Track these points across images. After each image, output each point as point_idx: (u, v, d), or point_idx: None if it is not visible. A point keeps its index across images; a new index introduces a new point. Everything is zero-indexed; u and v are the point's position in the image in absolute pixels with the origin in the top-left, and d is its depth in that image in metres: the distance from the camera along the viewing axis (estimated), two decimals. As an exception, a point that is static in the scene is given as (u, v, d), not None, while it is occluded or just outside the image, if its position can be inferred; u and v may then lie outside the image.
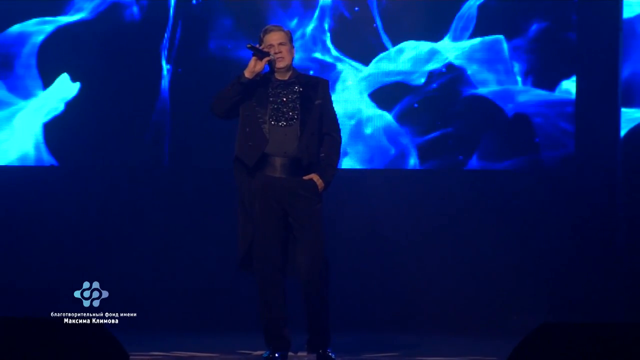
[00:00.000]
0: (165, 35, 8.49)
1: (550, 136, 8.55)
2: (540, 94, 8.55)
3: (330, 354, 6.44)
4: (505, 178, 8.55)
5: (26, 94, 8.45)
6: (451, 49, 8.56)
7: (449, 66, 8.57)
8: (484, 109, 8.55)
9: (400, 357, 6.92)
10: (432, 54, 8.58)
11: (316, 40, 8.58)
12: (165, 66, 8.47)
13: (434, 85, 8.56)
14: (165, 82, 8.51)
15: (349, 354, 6.92)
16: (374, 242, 8.50)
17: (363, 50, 8.59)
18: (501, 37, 8.56)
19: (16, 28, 8.47)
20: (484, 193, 8.54)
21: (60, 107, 8.47)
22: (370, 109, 8.57)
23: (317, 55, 8.57)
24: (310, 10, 8.56)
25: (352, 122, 8.55)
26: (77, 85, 8.47)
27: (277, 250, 6.36)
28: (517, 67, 8.57)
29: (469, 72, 8.57)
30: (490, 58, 8.57)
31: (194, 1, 8.53)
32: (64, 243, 8.44)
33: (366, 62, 8.61)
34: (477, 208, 8.52)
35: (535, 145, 8.55)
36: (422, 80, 8.57)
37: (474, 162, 8.56)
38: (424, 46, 8.60)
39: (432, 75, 8.58)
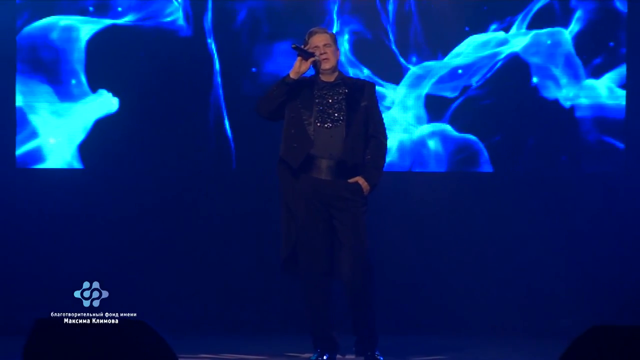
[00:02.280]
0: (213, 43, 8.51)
1: (600, 140, 8.49)
2: (592, 94, 8.49)
3: (378, 356, 6.44)
4: (552, 181, 8.49)
5: (73, 97, 8.48)
6: (512, 41, 8.49)
7: (509, 62, 8.50)
8: (540, 113, 8.50)
9: (448, 360, 6.92)
10: (488, 52, 8.53)
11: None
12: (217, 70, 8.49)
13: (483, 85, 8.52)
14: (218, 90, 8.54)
15: (396, 357, 6.91)
16: (420, 245, 8.47)
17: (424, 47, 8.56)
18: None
19: (63, 24, 8.47)
20: (531, 196, 8.48)
21: (108, 110, 8.50)
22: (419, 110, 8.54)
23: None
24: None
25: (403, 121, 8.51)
26: (123, 91, 8.49)
27: (322, 254, 6.36)
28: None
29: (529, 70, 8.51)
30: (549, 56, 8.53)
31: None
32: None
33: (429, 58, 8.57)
34: (524, 211, 8.47)
35: (584, 148, 8.48)
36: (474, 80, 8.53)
37: (524, 165, 8.50)
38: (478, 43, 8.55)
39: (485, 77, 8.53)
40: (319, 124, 6.36)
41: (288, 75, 6.36)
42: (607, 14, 8.49)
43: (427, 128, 8.47)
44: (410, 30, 8.47)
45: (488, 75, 8.49)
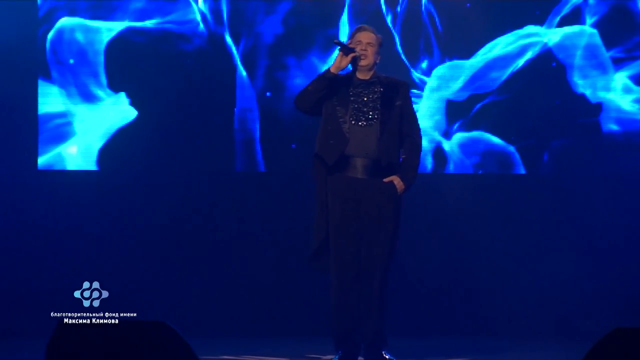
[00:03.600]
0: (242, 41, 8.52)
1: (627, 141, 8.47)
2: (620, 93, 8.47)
3: (385, 355, 6.41)
4: (575, 182, 8.46)
5: (93, 100, 8.50)
6: (538, 40, 8.47)
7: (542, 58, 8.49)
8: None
9: (469, 362, 6.91)
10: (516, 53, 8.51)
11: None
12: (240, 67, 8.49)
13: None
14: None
15: (418, 359, 6.90)
16: (444, 246, 8.46)
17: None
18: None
19: (84, 28, 8.49)
20: (554, 198, 8.46)
21: (127, 114, 8.52)
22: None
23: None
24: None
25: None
26: (142, 95, 8.51)
27: (354, 252, 6.36)
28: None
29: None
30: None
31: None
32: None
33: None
34: (546, 213, 8.45)
35: (610, 148, 8.46)
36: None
37: (550, 166, 8.48)
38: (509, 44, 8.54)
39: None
40: (353, 122, 6.38)
41: (328, 69, 6.39)
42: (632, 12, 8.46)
43: (452, 132, 8.48)
44: (423, 33, 8.46)
45: (513, 74, 8.47)
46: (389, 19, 8.46)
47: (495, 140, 8.49)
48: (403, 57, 8.44)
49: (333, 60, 6.41)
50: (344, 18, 8.43)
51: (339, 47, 6.37)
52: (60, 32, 8.46)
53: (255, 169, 8.49)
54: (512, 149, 8.47)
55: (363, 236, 6.37)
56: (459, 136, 8.48)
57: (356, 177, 6.36)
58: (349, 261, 6.35)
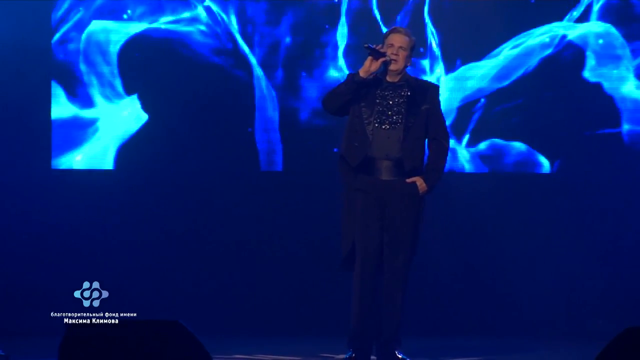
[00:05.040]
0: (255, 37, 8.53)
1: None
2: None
3: (399, 354, 6.41)
4: (587, 182, 8.45)
5: (110, 100, 8.52)
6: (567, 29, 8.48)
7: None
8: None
9: (481, 362, 6.91)
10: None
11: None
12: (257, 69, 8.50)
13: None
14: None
15: (430, 358, 6.91)
16: (456, 245, 8.46)
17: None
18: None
19: (97, 32, 8.52)
20: (564, 197, 8.45)
21: (141, 114, 8.53)
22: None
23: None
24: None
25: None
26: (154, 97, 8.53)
27: (377, 252, 6.36)
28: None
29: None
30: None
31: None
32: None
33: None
34: (560, 212, 8.44)
35: (623, 147, 8.45)
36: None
37: (561, 166, 8.47)
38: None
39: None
40: (377, 125, 6.37)
41: (357, 73, 6.36)
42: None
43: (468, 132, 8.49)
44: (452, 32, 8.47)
45: (528, 73, 8.46)
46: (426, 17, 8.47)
47: (508, 139, 8.49)
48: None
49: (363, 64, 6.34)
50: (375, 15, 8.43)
51: (369, 51, 6.31)
52: (76, 35, 8.49)
53: (273, 169, 8.50)
54: (524, 148, 8.46)
55: (385, 236, 6.37)
56: (472, 136, 8.47)
57: (380, 178, 6.36)
58: (371, 262, 6.35)
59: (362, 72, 6.32)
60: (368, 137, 6.34)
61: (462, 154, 8.47)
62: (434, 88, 6.54)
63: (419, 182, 6.38)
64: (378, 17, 8.44)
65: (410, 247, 6.40)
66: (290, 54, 8.50)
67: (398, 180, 6.36)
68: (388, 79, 6.42)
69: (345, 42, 8.43)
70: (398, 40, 6.39)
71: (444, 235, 8.44)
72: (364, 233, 6.35)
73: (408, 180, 6.37)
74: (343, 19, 8.45)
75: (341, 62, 8.43)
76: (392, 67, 6.35)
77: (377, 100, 6.38)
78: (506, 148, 8.50)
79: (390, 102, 6.39)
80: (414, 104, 6.39)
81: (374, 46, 6.33)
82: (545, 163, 8.47)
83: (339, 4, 8.45)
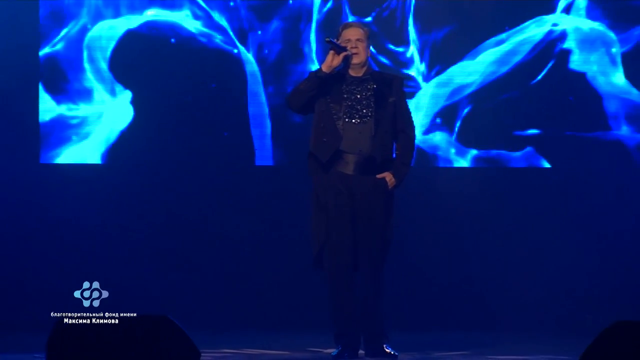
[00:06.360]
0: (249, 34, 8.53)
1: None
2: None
3: (387, 349, 6.42)
4: (579, 177, 8.46)
5: (101, 95, 8.51)
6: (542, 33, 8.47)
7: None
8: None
9: (471, 356, 6.89)
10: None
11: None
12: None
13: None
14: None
15: (420, 352, 6.91)
16: (445, 240, 8.47)
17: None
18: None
19: (88, 28, 8.51)
20: (559, 193, 8.47)
21: (131, 109, 8.52)
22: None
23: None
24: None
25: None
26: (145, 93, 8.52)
27: (349, 248, 6.36)
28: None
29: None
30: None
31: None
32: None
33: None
34: (550, 207, 8.45)
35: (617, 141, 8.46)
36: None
37: (554, 161, 8.48)
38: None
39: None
40: (347, 120, 6.37)
41: (320, 68, 6.37)
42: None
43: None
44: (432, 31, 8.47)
45: (519, 68, 8.47)
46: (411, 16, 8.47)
47: (497, 135, 8.49)
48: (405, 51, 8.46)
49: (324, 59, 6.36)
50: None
51: (331, 46, 6.32)
52: (64, 31, 8.49)
53: (265, 163, 8.50)
54: (514, 143, 8.47)
55: (357, 231, 6.37)
56: (464, 129, 8.47)
57: (347, 173, 6.36)
58: (343, 257, 6.35)
59: (324, 67, 6.33)
60: (339, 132, 6.34)
61: (452, 149, 8.47)
62: (399, 80, 6.56)
63: (389, 177, 6.38)
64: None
65: (385, 241, 6.40)
66: (282, 48, 8.49)
67: (367, 177, 6.35)
68: (352, 73, 6.42)
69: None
70: (353, 33, 6.41)
71: (433, 230, 8.45)
72: (336, 229, 6.34)
73: (378, 176, 6.37)
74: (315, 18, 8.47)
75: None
76: (355, 60, 6.37)
77: (345, 96, 6.38)
78: (496, 143, 8.50)
79: (359, 96, 6.39)
80: (382, 96, 6.40)
81: (336, 40, 6.34)
82: (536, 158, 8.47)
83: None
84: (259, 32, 8.46)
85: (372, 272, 6.38)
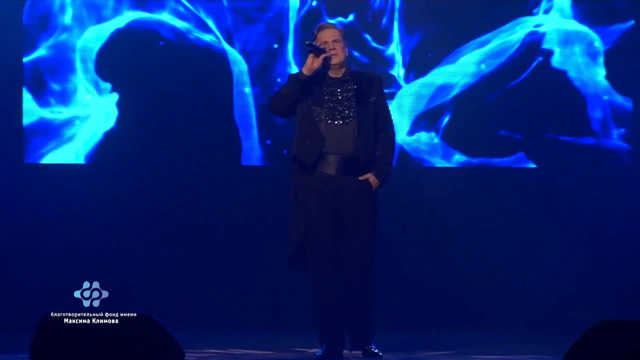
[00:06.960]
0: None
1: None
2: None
3: (374, 349, 6.42)
4: (566, 176, 8.48)
5: (82, 95, 8.50)
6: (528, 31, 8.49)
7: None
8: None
9: (455, 355, 6.89)
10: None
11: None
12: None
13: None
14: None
15: (404, 352, 6.91)
16: (429, 240, 8.47)
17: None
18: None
19: (73, 27, 8.50)
20: (542, 191, 8.48)
21: (117, 108, 8.51)
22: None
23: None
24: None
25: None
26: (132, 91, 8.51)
27: (330, 248, 6.36)
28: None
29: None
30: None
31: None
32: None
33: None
34: (537, 206, 8.46)
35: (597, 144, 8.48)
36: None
37: (540, 160, 8.49)
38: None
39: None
40: (329, 121, 6.37)
41: (300, 72, 6.37)
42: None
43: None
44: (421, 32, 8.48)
45: (503, 69, 8.49)
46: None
47: (484, 134, 8.50)
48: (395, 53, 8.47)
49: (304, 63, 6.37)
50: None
51: (310, 48, 6.33)
52: (48, 33, 8.47)
53: (252, 163, 8.50)
54: (501, 142, 8.48)
55: (340, 233, 6.37)
56: (449, 129, 8.48)
57: (330, 173, 6.35)
58: (325, 258, 6.35)
59: (305, 70, 6.33)
60: (322, 134, 6.34)
61: (436, 150, 8.48)
62: (378, 79, 6.55)
63: (372, 178, 6.38)
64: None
65: (371, 242, 6.40)
66: (269, 47, 8.48)
67: (350, 177, 6.35)
68: (332, 74, 6.42)
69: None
70: (329, 34, 6.41)
71: (417, 230, 8.46)
72: (317, 230, 6.34)
73: (361, 178, 6.37)
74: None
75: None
76: (334, 60, 6.37)
77: (326, 97, 6.38)
78: (481, 143, 8.51)
79: (340, 97, 6.39)
80: (363, 96, 6.40)
81: (315, 43, 6.34)
82: (521, 158, 8.49)
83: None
84: (245, 33, 8.46)
85: (360, 274, 6.37)
